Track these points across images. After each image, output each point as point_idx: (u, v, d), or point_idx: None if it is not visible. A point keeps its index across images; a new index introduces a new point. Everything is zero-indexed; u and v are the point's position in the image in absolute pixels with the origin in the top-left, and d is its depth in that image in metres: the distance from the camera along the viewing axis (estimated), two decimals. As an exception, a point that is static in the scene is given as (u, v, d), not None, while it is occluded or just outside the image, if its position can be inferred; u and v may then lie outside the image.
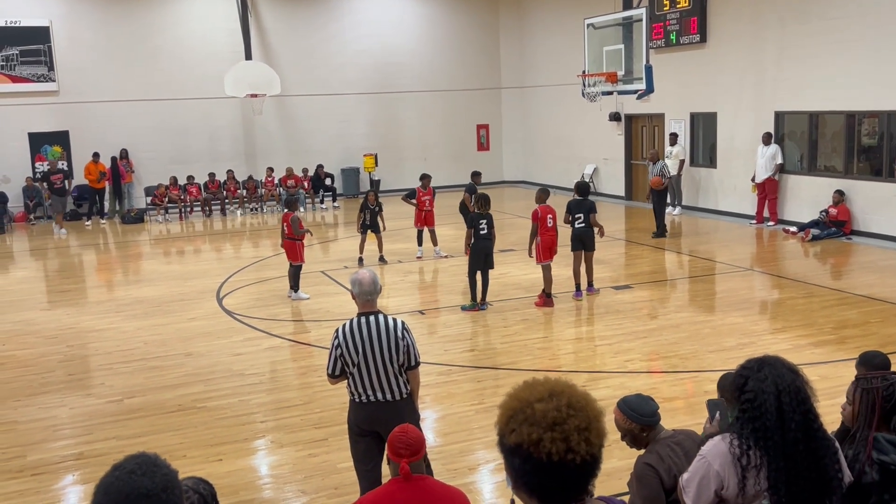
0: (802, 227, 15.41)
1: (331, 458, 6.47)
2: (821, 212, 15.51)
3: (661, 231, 16.02)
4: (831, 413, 5.47)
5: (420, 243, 14.72)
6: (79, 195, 21.64)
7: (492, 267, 11.02)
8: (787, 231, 15.82)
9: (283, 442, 6.91)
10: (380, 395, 5.00)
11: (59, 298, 12.80)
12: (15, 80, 21.08)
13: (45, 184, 19.82)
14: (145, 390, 8.28)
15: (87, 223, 20.76)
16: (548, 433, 1.87)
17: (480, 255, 10.85)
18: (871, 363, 4.47)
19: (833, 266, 13.66)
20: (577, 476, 1.90)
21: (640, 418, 3.99)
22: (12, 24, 20.89)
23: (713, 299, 11.49)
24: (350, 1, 23.91)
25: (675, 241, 15.63)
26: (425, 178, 14.89)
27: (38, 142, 21.50)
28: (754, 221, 17.01)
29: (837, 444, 3.07)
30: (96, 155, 20.97)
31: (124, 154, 21.81)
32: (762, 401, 2.93)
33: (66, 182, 20.14)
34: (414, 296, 12.20)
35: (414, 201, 14.61)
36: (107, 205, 21.57)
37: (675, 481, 3.79)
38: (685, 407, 7.32)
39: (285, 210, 12.29)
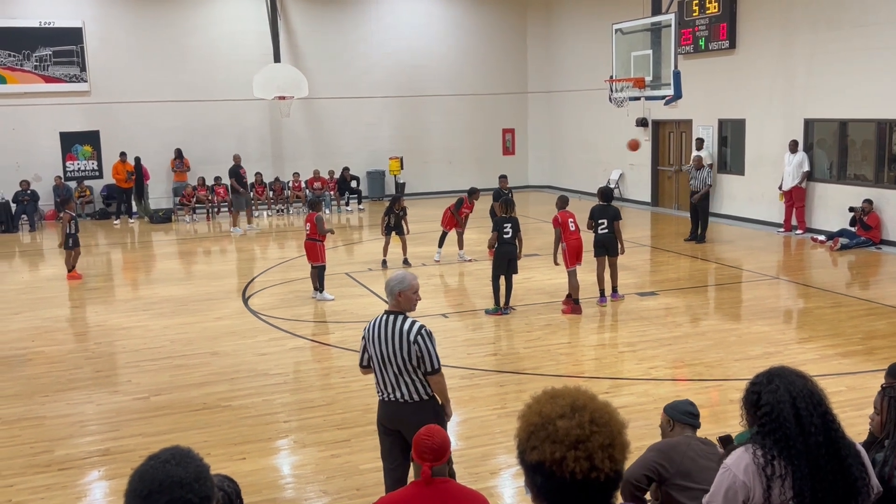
0: (831, 236, 15.24)
1: (353, 459, 6.49)
2: (850, 208, 15.32)
3: (702, 236, 16.05)
4: (859, 424, 5.41)
5: (440, 245, 14.70)
6: (108, 194, 21.93)
7: (515, 272, 10.99)
8: (815, 240, 15.65)
9: (306, 442, 6.95)
10: (398, 395, 5.03)
11: (87, 296, 12.96)
12: (48, 80, 21.39)
13: (233, 179, 19.60)
14: (171, 388, 8.37)
15: (115, 222, 21.00)
16: (571, 452, 1.83)
17: (504, 260, 10.83)
18: (900, 374, 4.42)
19: (862, 275, 13.49)
20: (601, 492, 1.88)
21: (669, 409, 4.55)
22: (46, 25, 21.21)
23: (739, 307, 11.39)
24: (378, 5, 24.02)
25: (702, 249, 15.51)
26: (475, 192, 14.65)
27: (70, 141, 21.81)
28: (782, 229, 16.85)
29: (863, 450, 3.04)
30: (123, 155, 21.20)
31: (179, 153, 22.10)
32: (779, 411, 2.91)
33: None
34: (438, 299, 12.21)
35: (458, 213, 14.50)
36: (134, 204, 21.82)
37: (681, 475, 4.01)
38: (710, 416, 7.25)
39: (309, 210, 12.35)
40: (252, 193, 21.62)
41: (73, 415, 7.72)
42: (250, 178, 22.23)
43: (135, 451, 6.69)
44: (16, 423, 7.54)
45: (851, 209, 15.34)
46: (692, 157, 17.56)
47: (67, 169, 21.82)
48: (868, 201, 15.02)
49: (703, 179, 16.20)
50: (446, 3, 24.73)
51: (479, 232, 16.15)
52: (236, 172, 19.63)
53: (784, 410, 2.90)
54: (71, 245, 13.93)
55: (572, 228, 11.00)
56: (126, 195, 21.42)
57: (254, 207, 21.13)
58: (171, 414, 7.65)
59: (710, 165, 18.58)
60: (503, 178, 15.31)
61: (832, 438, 2.90)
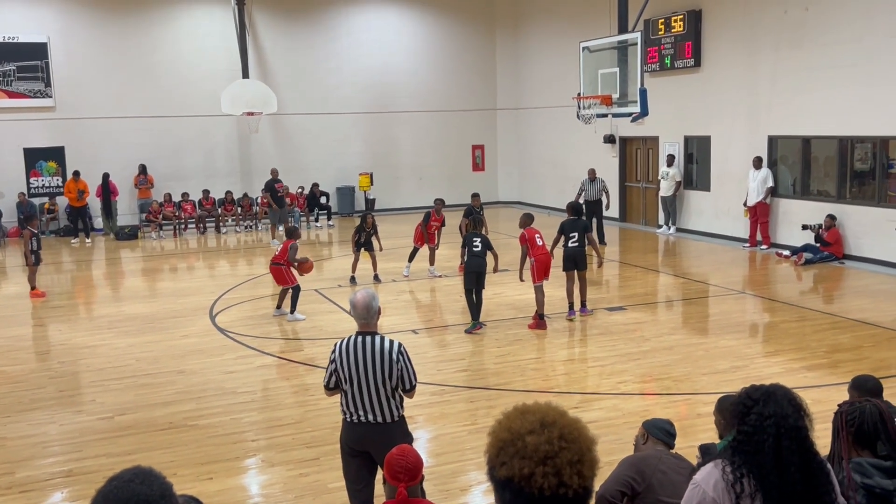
0: (795, 251, 15.46)
1: (322, 477, 6.43)
2: (803, 226, 15.64)
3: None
4: (824, 436, 5.46)
5: (410, 260, 14.72)
6: (70, 211, 21.57)
7: (483, 287, 11.01)
8: (779, 255, 15.87)
9: (274, 461, 6.87)
10: (370, 417, 4.96)
11: (51, 314, 12.74)
12: (12, 95, 21.11)
13: (268, 193, 19.65)
14: (136, 407, 8.24)
15: (73, 241, 20.50)
16: (539, 467, 1.83)
17: (473, 275, 10.86)
18: (863, 387, 4.49)
19: (826, 290, 13.70)
20: None
21: (648, 424, 4.71)
22: (10, 41, 20.95)
23: (706, 322, 11.50)
24: (347, 21, 24.05)
25: (670, 263, 15.65)
26: (439, 202, 14.93)
27: (34, 157, 21.51)
28: (748, 245, 17.07)
29: (830, 467, 3.05)
30: (76, 173, 20.73)
31: (143, 169, 21.88)
32: (761, 440, 2.86)
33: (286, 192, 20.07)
34: (408, 315, 12.18)
35: (427, 227, 14.58)
36: (98, 222, 21.46)
37: (652, 489, 4.06)
38: (679, 430, 7.30)
39: (286, 238, 12.24)
40: (288, 206, 21.22)
41: (35, 435, 7.56)
42: (217, 194, 22.09)
43: (99, 472, 6.56)
44: (-24, 444, 7.37)
45: (805, 226, 15.59)
46: (588, 170, 18.48)
47: (31, 185, 21.51)
48: (831, 216, 15.27)
49: (599, 190, 17.90)
50: (416, 20, 24.84)
51: (449, 248, 16.16)
52: (271, 187, 19.63)
53: (766, 442, 2.85)
54: (35, 262, 13.74)
55: (540, 244, 11.07)
56: (79, 214, 20.91)
57: (291, 219, 20.93)
58: (137, 434, 7.53)
59: (678, 182, 18.88)
60: (475, 196, 15.39)
61: (809, 473, 2.85)
